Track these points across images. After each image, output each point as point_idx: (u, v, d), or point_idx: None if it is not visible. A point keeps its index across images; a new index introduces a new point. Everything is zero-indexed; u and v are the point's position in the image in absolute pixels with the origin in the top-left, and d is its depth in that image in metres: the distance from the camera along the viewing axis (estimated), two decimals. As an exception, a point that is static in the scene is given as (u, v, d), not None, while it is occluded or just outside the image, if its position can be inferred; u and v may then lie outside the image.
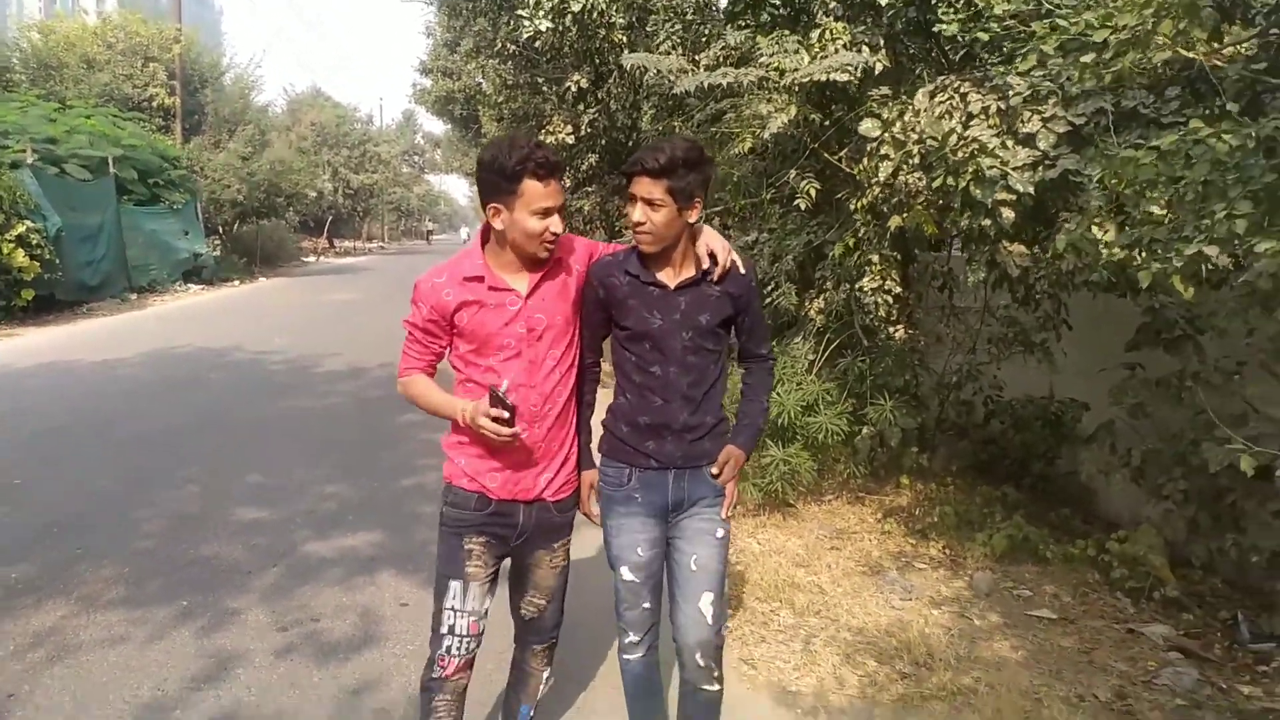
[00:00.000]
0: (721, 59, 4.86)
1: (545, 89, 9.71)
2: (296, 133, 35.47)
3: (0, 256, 11.69)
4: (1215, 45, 2.81)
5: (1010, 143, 3.60)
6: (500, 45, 9.45)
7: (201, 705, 2.88)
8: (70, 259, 13.87)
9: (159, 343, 10.65)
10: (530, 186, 2.05)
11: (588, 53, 8.19)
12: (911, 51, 4.63)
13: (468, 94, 17.21)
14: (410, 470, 5.56)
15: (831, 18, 4.31)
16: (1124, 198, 2.85)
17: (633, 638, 2.40)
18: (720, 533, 2.33)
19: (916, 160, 3.86)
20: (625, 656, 2.42)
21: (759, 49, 4.21)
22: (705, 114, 5.26)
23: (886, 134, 3.89)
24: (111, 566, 3.95)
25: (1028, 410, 5.18)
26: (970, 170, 3.60)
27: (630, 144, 9.11)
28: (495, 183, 2.07)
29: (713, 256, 2.24)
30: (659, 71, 4.65)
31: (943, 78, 3.95)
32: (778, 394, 4.73)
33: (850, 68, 3.91)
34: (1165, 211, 2.63)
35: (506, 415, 2.04)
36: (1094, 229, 2.99)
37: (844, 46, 3.99)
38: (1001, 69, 3.54)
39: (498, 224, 2.11)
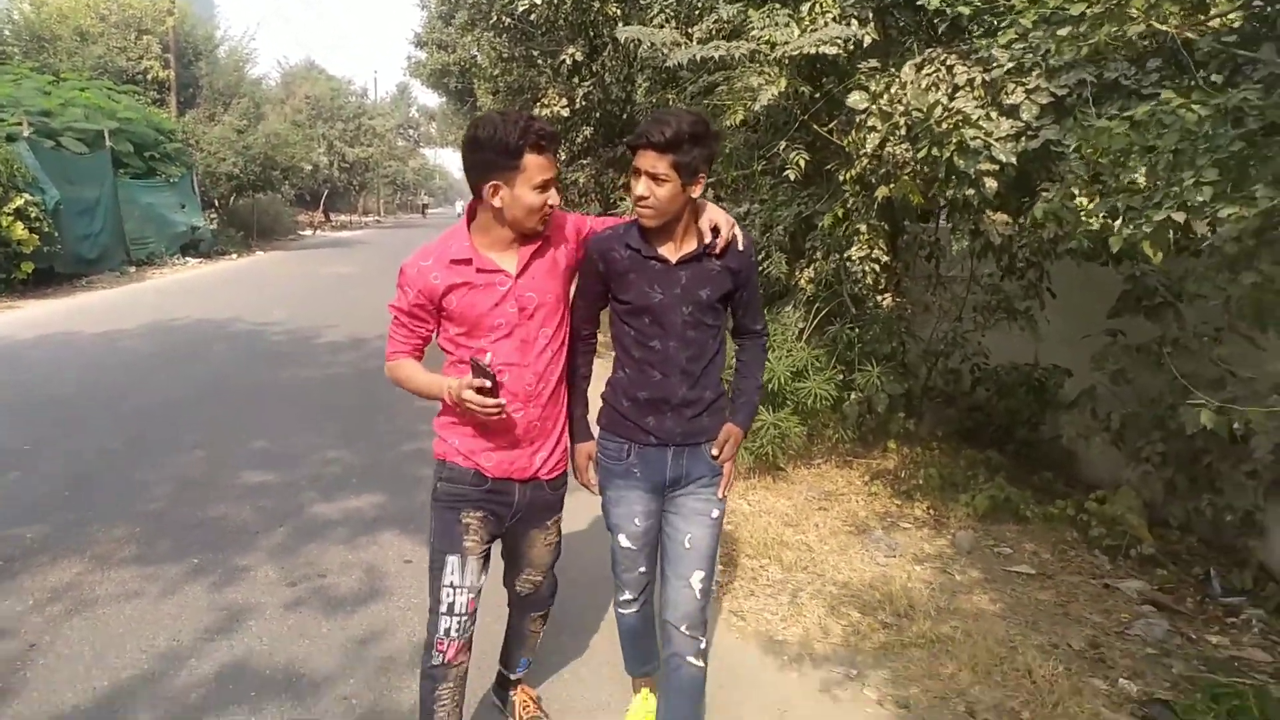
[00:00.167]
0: (714, 32, 4.92)
1: (540, 62, 9.73)
2: (291, 106, 35.30)
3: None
4: (1200, 17, 2.89)
5: (994, 114, 3.69)
6: (495, 18, 9.47)
7: (215, 654, 3.03)
8: (68, 232, 13.90)
9: (159, 315, 10.74)
10: (532, 160, 2.01)
11: (582, 26, 8.22)
12: (901, 24, 4.70)
13: (463, 67, 17.16)
14: (410, 436, 5.68)
15: (822, -9, 4.38)
16: (1100, 167, 2.96)
17: (628, 595, 2.48)
18: (715, 513, 2.36)
19: (903, 132, 3.96)
20: (621, 611, 2.51)
21: (751, 22, 4.29)
22: (698, 86, 5.33)
23: (874, 106, 3.98)
24: (123, 527, 4.09)
25: (1012, 377, 5.31)
26: (954, 141, 3.69)
27: (625, 117, 9.16)
28: (493, 160, 2.02)
29: (715, 230, 2.22)
30: (653, 44, 4.72)
31: (930, 50, 4.04)
32: (768, 361, 4.84)
33: (839, 41, 3.99)
34: (1140, 180, 2.74)
35: (489, 384, 2.00)
36: (1076, 198, 3.10)
37: (834, 20, 4.07)
38: (985, 42, 3.62)
39: (496, 202, 2.06)
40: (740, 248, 2.27)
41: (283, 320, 10.53)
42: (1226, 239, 2.38)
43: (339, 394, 6.92)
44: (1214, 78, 3.08)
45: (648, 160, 2.09)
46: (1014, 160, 3.63)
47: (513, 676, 2.67)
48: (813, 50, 4.05)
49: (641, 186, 2.12)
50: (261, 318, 10.68)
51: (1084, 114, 3.09)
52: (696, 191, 2.16)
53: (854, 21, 4.09)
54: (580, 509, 3.34)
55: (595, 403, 2.44)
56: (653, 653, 2.64)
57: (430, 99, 45.49)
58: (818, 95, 4.71)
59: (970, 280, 5.16)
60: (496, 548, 2.38)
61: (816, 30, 4.05)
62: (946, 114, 3.74)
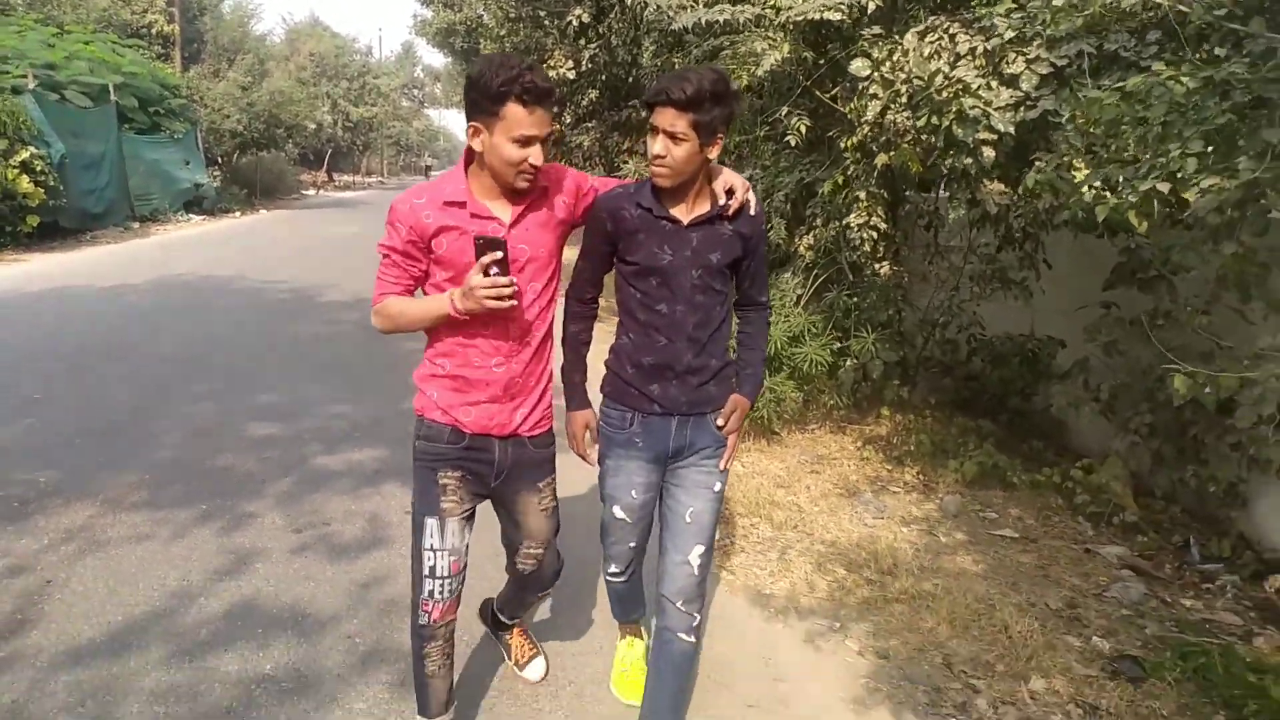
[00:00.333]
0: (722, -6, 4.95)
1: (547, 23, 9.70)
2: (295, 63, 35.03)
3: (5, 182, 11.75)
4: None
5: (994, 83, 3.73)
6: (503, -23, 9.41)
7: (224, 594, 3.15)
8: (73, 186, 13.92)
9: (164, 270, 10.81)
10: (513, 111, 1.89)
11: (588, -14, 8.20)
12: (907, -8, 4.70)
13: (469, 26, 17.02)
14: (411, 392, 5.68)
15: (828, -45, 4.38)
16: (1093, 137, 3.02)
17: (615, 569, 2.48)
18: (718, 486, 2.31)
19: (904, 100, 3.99)
20: (609, 580, 2.53)
21: (756, -15, 4.32)
22: (703, 50, 5.34)
23: (876, 74, 4.02)
24: (133, 473, 4.21)
25: (1007, 347, 5.39)
26: (954, 110, 3.73)
27: (630, 80, 9.15)
28: (477, 101, 1.92)
29: (730, 192, 2.16)
30: (659, 7, 4.74)
31: (933, 18, 4.06)
32: (766, 326, 4.92)
33: (844, 6, 4.02)
34: (1131, 150, 2.80)
35: (500, 255, 1.88)
36: (1072, 169, 3.15)
37: (839, -16, 4.08)
38: (987, 11, 3.65)
39: (476, 145, 1.97)
40: (752, 213, 2.21)
41: (287, 278, 10.60)
42: (1208, 210, 2.44)
43: (343, 351, 7.01)
44: (1217, 50, 3.13)
45: (666, 118, 2.00)
46: (1012, 130, 3.68)
47: (509, 622, 2.73)
48: (817, 16, 4.08)
49: (659, 145, 2.03)
50: (266, 275, 10.75)
51: (1080, 85, 3.14)
52: (714, 153, 2.08)
53: (859, -13, 4.11)
54: (573, 468, 3.44)
55: (593, 371, 2.40)
56: (638, 604, 2.68)
57: (435, 59, 45.28)
58: (821, 61, 4.74)
59: (968, 250, 5.22)
60: (487, 512, 2.34)
61: (822, -5, 4.07)
62: (947, 83, 3.77)
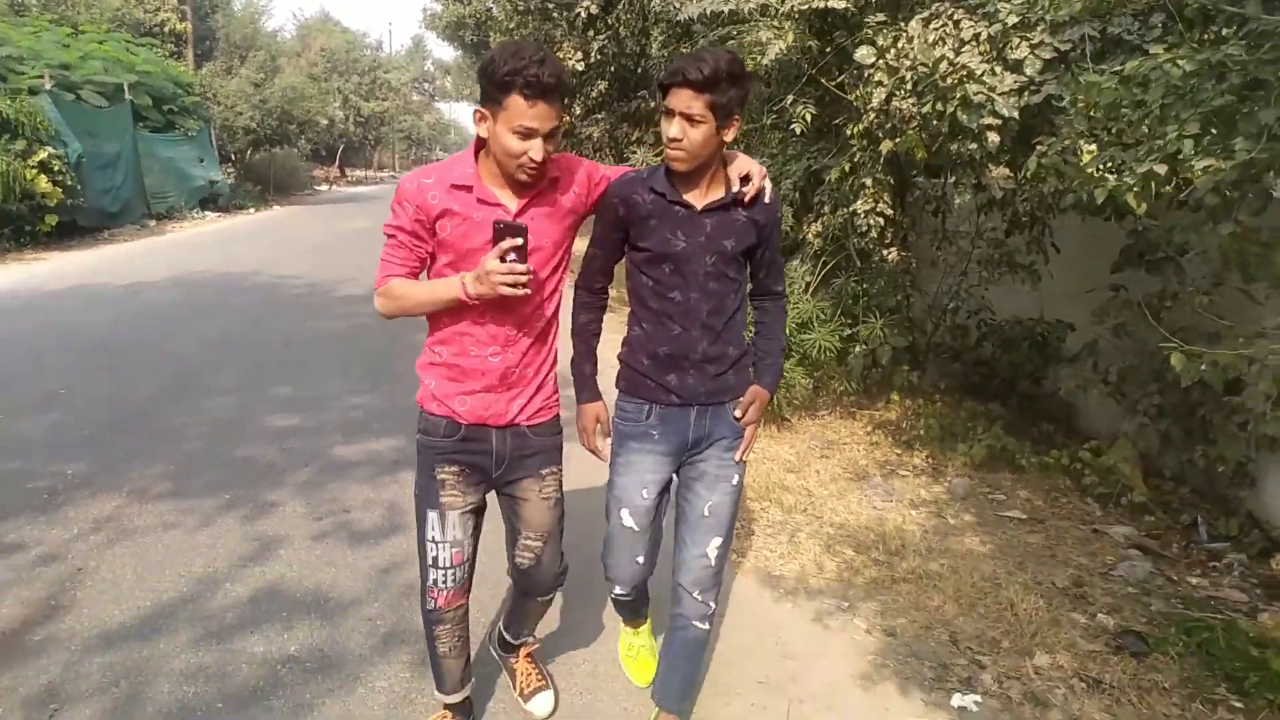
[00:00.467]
0: (727, -16, 4.98)
1: (555, 15, 9.73)
2: (306, 59, 35.18)
3: (24, 182, 11.91)
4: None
5: (998, 69, 3.75)
6: (511, -30, 9.46)
7: (249, 579, 3.25)
8: (90, 185, 14.07)
9: (182, 267, 10.95)
10: (515, 102, 1.84)
11: (597, -22, 8.24)
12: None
13: (479, 19, 17.05)
14: (428, 385, 5.87)
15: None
16: (1094, 121, 3.05)
17: (620, 591, 2.36)
18: (736, 479, 2.27)
19: (909, 87, 4.02)
20: (613, 597, 2.44)
21: (761, -25, 4.36)
22: (710, 40, 5.38)
23: (881, 61, 4.05)
24: (158, 465, 4.32)
25: (1016, 331, 5.42)
26: (958, 96, 3.77)
27: (639, 71, 9.19)
28: (485, 87, 1.90)
29: (746, 178, 2.12)
30: (667, -3, 4.78)
31: (938, 4, 4.09)
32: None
33: (847, -6, 4.06)
34: (1130, 132, 2.83)
35: (520, 243, 1.86)
36: (1080, 152, 3.17)
37: (842, -27, 4.12)
38: (985, -3, 3.68)
39: (481, 131, 1.95)
40: (767, 200, 2.16)
41: (302, 273, 10.73)
42: (1206, 190, 2.47)
43: (360, 344, 7.11)
44: (1224, 31, 3.15)
45: (682, 100, 1.95)
46: (1016, 115, 3.71)
47: (515, 642, 2.56)
48: (822, 4, 4.11)
49: (675, 128, 1.98)
50: (282, 270, 10.88)
51: (1081, 68, 3.17)
52: (730, 135, 2.03)
53: (862, -25, 4.14)
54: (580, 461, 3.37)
55: (603, 364, 2.34)
56: (645, 606, 2.60)
57: (445, 52, 45.29)
58: (828, 49, 4.77)
59: (975, 235, 5.25)
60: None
61: (825, -16, 4.10)
62: (951, 69, 3.80)
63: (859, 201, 4.52)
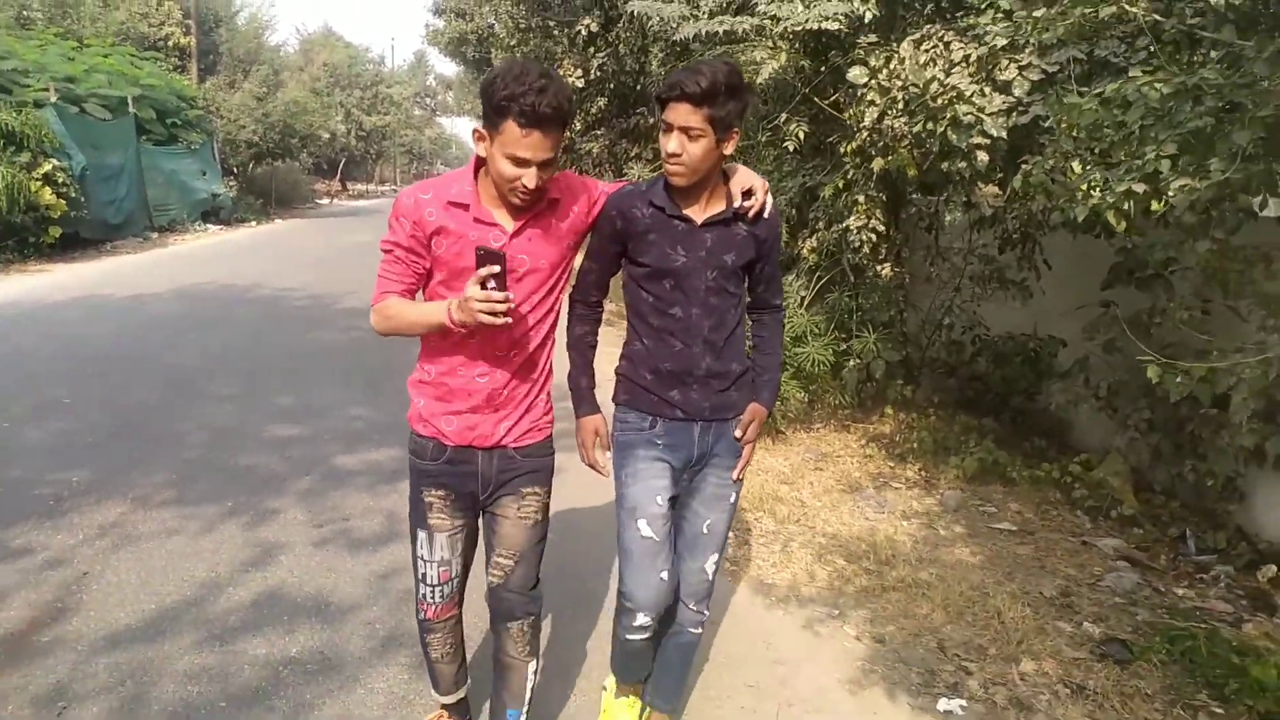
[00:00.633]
0: (725, 5, 5.10)
1: (556, 32, 9.87)
2: (309, 73, 35.44)
3: (29, 194, 12.01)
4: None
5: (987, 89, 3.85)
6: (513, -12, 9.62)
7: (250, 583, 3.31)
8: (94, 198, 14.17)
9: (185, 279, 11.04)
10: (510, 129, 1.81)
11: (597, -4, 8.39)
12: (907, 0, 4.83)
13: (480, 35, 17.21)
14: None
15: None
16: (1078, 141, 3.14)
17: (642, 620, 2.17)
18: (733, 497, 2.27)
19: (900, 106, 4.12)
20: (627, 636, 2.23)
21: (756, -3, 4.47)
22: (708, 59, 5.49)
23: (873, 81, 4.15)
24: (161, 473, 4.38)
25: (1008, 347, 5.50)
26: (948, 116, 3.86)
27: (638, 87, 9.31)
28: (484, 106, 1.86)
29: (749, 193, 2.10)
30: (663, 18, 4.89)
31: (929, 26, 4.19)
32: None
33: (840, 16, 4.16)
34: (1115, 152, 2.92)
35: (497, 270, 1.80)
36: (1069, 172, 3.26)
37: (836, -5, 4.23)
38: (974, 20, 3.79)
39: (479, 150, 1.92)
40: (767, 215, 2.14)
41: (304, 286, 10.82)
42: (1184, 209, 2.56)
43: (360, 356, 7.18)
44: (1212, 54, 3.24)
45: (680, 114, 1.92)
46: (1004, 135, 3.81)
47: None
48: (815, 25, 4.22)
49: (673, 143, 1.95)
50: (283, 283, 10.97)
51: (1066, 90, 3.26)
52: (730, 148, 2.00)
53: (855, -2, 4.25)
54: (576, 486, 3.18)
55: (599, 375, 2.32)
56: (648, 663, 2.44)
57: (447, 67, 45.55)
58: (823, 69, 4.88)
59: (967, 251, 5.34)
60: None
61: (819, 5, 4.21)
62: (942, 89, 3.90)
63: (852, 218, 4.61)
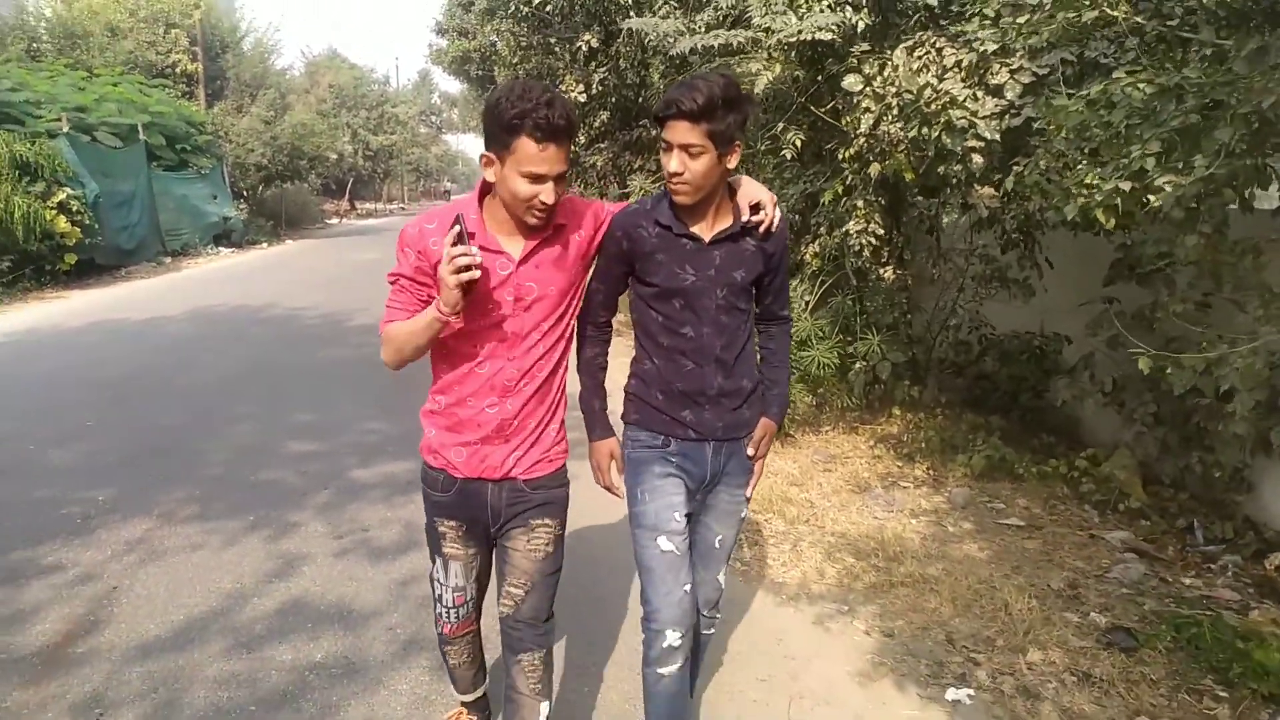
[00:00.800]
0: (721, 19, 5.21)
1: (557, 49, 10.03)
2: (315, 95, 35.82)
3: (44, 223, 12.23)
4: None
5: (980, 93, 3.94)
6: (514, 7, 9.76)
7: (275, 593, 3.41)
8: (107, 224, 14.40)
9: (199, 302, 11.21)
10: (524, 145, 1.79)
11: (597, 13, 8.52)
12: (899, 8, 4.93)
13: (483, 54, 17.39)
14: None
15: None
16: (1067, 142, 3.22)
17: (672, 639, 2.08)
18: (744, 513, 2.29)
19: (895, 112, 4.21)
20: (658, 670, 2.11)
21: (750, 10, 4.56)
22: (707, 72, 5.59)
23: (868, 88, 4.24)
24: (184, 490, 4.49)
25: (1014, 345, 5.57)
26: (942, 121, 3.95)
27: (640, 101, 9.44)
28: (491, 130, 1.84)
29: (757, 207, 2.06)
30: (662, 34, 5.00)
31: (921, 33, 4.28)
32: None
33: (834, 26, 4.25)
34: (1103, 151, 3.00)
35: (458, 230, 1.79)
36: (1064, 173, 3.34)
37: (829, 6, 4.32)
38: (963, 27, 3.88)
39: (488, 175, 1.90)
40: (775, 228, 2.10)
41: (316, 305, 10.97)
42: (1171, 205, 2.63)
43: (373, 372, 7.29)
44: (1193, 53, 3.32)
45: (679, 132, 1.89)
46: (998, 138, 3.89)
47: None
48: (810, 36, 4.31)
49: (674, 161, 1.92)
50: (295, 303, 11.13)
51: (1055, 92, 3.35)
52: (733, 162, 1.97)
53: (848, 8, 4.34)
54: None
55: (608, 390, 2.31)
56: (686, 713, 2.32)
57: (452, 85, 46.00)
58: (819, 78, 4.98)
59: (968, 252, 5.41)
60: None
61: (812, 16, 4.30)
62: (935, 95, 3.99)
63: (851, 222, 4.70)
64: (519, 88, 1.82)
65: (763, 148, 5.30)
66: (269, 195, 25.56)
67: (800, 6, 4.39)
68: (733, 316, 2.09)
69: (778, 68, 4.38)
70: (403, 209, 46.91)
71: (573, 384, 2.18)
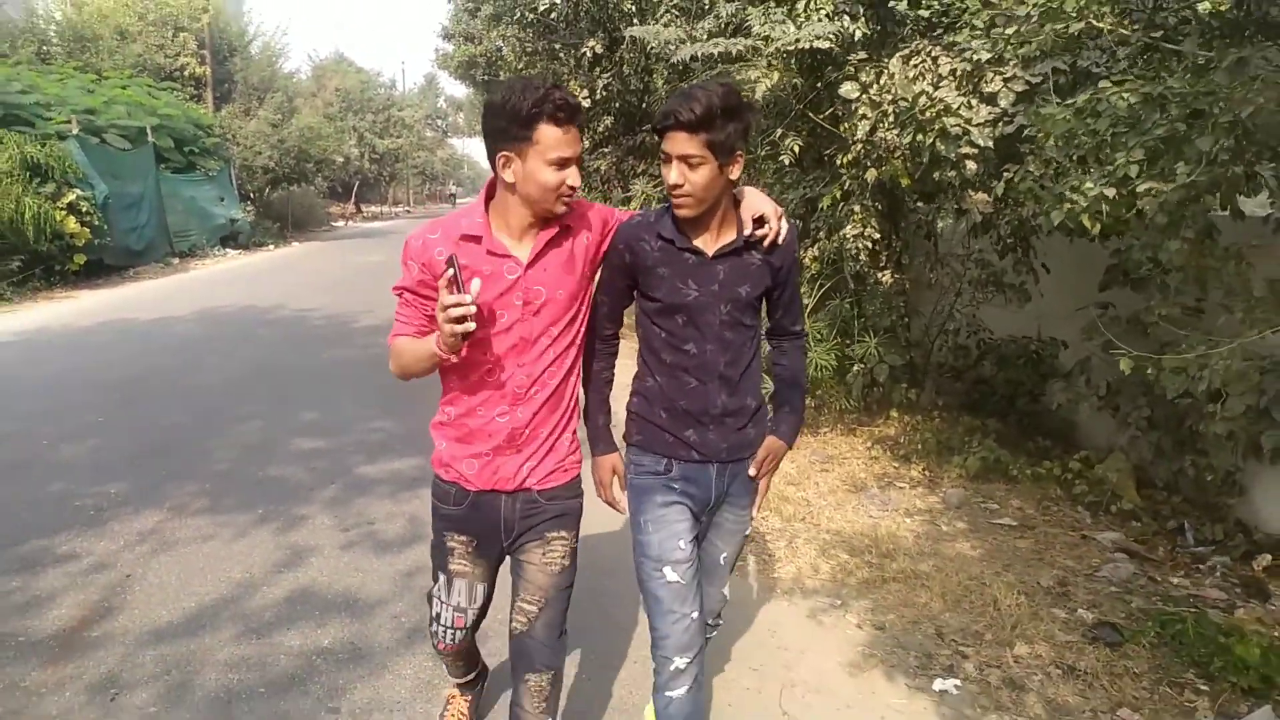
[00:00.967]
0: (722, 26, 5.31)
1: (562, 55, 10.14)
2: (322, 99, 36.00)
3: (54, 223, 12.37)
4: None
5: (974, 101, 4.03)
6: (519, 14, 9.89)
7: (283, 583, 3.52)
8: (116, 225, 14.55)
9: (206, 302, 11.34)
10: (547, 133, 1.80)
11: (601, 20, 8.65)
12: (898, 17, 5.02)
13: (489, 59, 17.53)
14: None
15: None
16: (1056, 150, 3.31)
17: (679, 663, 2.04)
18: (748, 530, 2.28)
19: (891, 119, 4.30)
20: (668, 694, 2.06)
21: (750, 19, 4.67)
22: (708, 78, 5.70)
23: (864, 96, 4.34)
24: (194, 484, 4.60)
25: (1011, 349, 5.65)
26: (936, 127, 4.04)
27: (643, 106, 9.55)
28: (506, 128, 1.82)
29: (761, 221, 2.00)
30: (664, 41, 5.10)
31: (917, 42, 4.38)
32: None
33: (830, 36, 4.35)
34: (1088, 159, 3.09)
35: (451, 273, 1.75)
36: (1061, 177, 3.43)
37: (826, 16, 4.42)
38: (955, 37, 3.97)
39: (508, 175, 1.86)
40: (781, 241, 2.03)
41: (321, 306, 11.10)
42: (1154, 211, 2.73)
43: (378, 372, 7.37)
44: (1191, 62, 3.41)
45: (677, 143, 1.86)
46: (991, 144, 3.98)
47: None
48: (808, 44, 4.41)
49: (674, 174, 1.88)
50: (302, 304, 11.25)
51: (1046, 101, 3.44)
52: (735, 172, 1.92)
53: (846, 17, 4.44)
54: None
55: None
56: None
57: (457, 89, 46.26)
58: (818, 85, 5.08)
59: (965, 257, 5.50)
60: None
61: (810, 25, 4.40)
62: (930, 103, 4.08)
63: (848, 226, 4.79)
64: (520, 83, 1.83)
65: (762, 154, 5.40)
66: (276, 198, 25.74)
67: (799, 15, 4.49)
68: (737, 333, 2.04)
69: (776, 75, 4.48)
70: (408, 212, 47.12)
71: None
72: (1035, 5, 3.09)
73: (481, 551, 2.10)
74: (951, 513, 4.47)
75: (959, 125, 3.96)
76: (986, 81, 4.02)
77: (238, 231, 20.57)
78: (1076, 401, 4.88)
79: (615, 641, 3.13)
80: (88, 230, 13.11)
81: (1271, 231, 3.39)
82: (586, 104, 9.23)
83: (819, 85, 5.05)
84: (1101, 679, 2.93)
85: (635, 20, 6.95)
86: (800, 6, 4.48)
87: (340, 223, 33.71)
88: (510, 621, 2.11)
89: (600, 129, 9.98)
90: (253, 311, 10.70)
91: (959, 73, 4.09)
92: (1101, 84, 2.91)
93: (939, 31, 4.38)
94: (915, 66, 4.24)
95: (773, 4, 4.63)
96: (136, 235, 15.66)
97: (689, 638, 2.04)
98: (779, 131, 5.04)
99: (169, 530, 4.00)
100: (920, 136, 4.11)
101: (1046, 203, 3.52)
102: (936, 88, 4.12)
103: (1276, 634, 3.14)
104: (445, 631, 2.19)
